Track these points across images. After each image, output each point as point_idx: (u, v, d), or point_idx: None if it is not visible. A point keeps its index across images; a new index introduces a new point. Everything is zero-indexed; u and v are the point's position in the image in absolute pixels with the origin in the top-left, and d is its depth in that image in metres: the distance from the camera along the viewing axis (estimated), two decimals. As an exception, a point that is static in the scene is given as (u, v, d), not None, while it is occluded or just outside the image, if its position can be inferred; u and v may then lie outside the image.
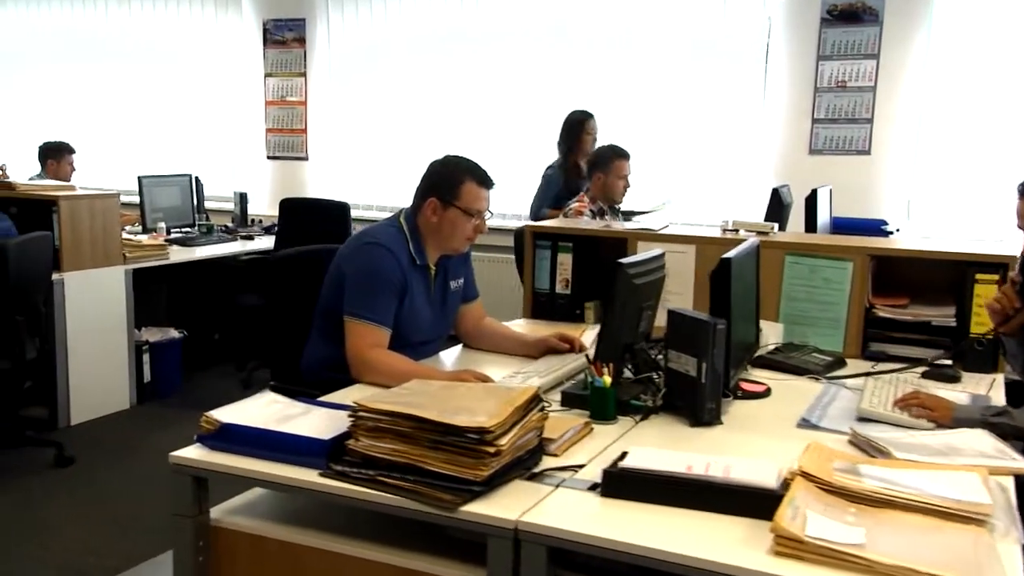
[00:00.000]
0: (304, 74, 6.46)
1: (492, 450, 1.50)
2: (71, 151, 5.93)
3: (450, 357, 2.61)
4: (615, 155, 4.07)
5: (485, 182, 2.43)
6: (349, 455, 1.62)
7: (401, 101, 6.12)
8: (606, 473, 1.54)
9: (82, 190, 4.31)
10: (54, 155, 5.86)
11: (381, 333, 2.31)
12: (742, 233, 2.87)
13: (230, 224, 5.96)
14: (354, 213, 5.35)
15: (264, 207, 6.38)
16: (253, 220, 6.03)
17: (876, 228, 4.12)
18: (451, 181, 2.40)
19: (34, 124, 7.15)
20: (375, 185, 6.26)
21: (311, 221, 5.31)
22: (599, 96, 5.43)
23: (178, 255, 4.81)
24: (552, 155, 5.55)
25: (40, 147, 5.90)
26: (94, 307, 4.13)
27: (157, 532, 3.09)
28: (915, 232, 4.54)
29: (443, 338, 2.61)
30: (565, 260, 3.07)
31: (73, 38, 7.20)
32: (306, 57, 6.43)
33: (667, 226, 3.09)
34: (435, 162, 2.47)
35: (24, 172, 5.60)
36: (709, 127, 5.18)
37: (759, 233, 2.85)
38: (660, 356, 2.25)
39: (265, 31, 6.51)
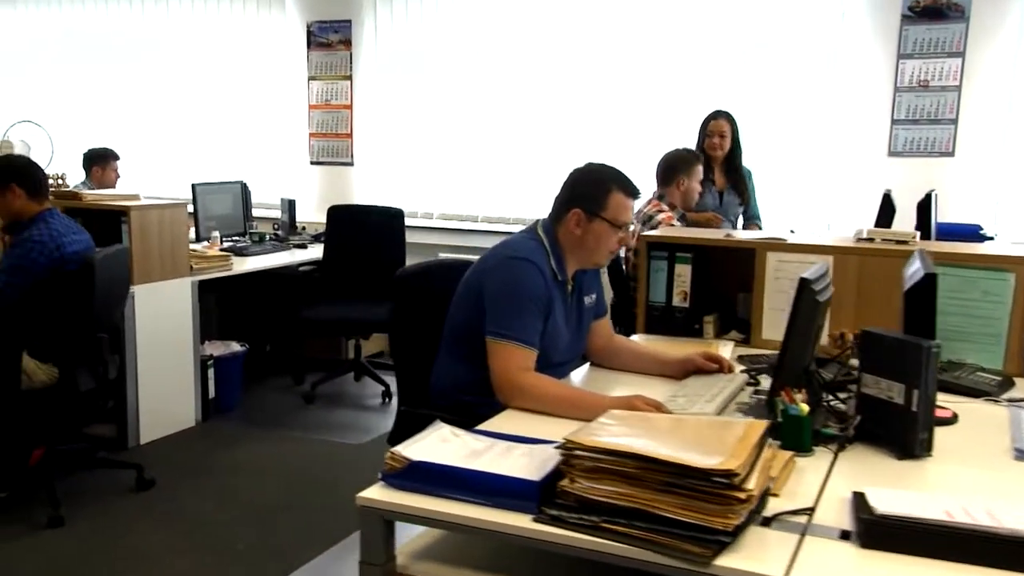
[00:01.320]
0: (350, 77, 6.30)
1: (743, 496, 1.35)
2: (116, 157, 5.79)
3: (577, 377, 2.46)
4: (696, 159, 3.92)
5: (632, 192, 2.28)
6: (561, 498, 1.47)
7: (452, 104, 5.96)
8: (864, 522, 1.39)
9: (146, 199, 4.15)
10: (99, 162, 5.72)
11: (530, 354, 2.15)
12: (879, 242, 2.73)
13: (277, 232, 5.81)
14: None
15: (308, 214, 6.21)
16: (298, 227, 5.89)
17: (974, 233, 3.96)
18: (597, 191, 2.25)
19: (74, 129, 6.99)
20: (424, 191, 6.10)
21: (362, 228, 5.17)
22: (655, 98, 5.29)
23: (238, 266, 4.65)
24: (616, 160, 5.40)
25: (85, 154, 5.75)
26: (162, 321, 3.98)
27: (259, 562, 2.95)
28: (1008, 237, 4.38)
29: (579, 358, 2.46)
30: (683, 272, 2.92)
31: (111, 39, 7.03)
32: (352, 59, 6.27)
33: (793, 233, 2.94)
34: (578, 170, 2.32)
35: (68, 180, 5.46)
36: (780, 129, 5.03)
37: (898, 242, 2.70)
38: (834, 378, 2.11)
39: (309, 33, 6.36)
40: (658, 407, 1.94)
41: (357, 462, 3.88)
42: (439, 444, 1.68)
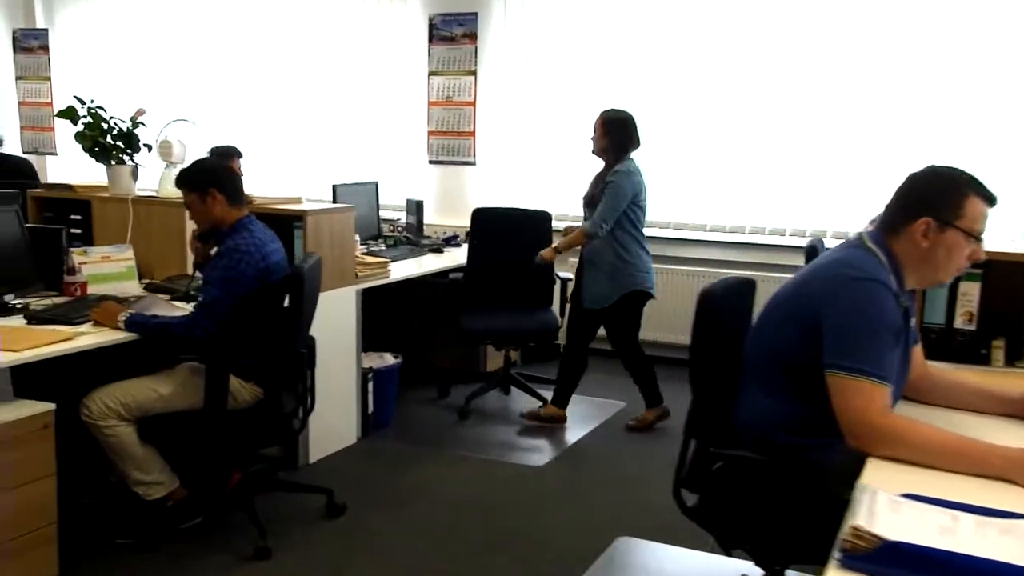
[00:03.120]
0: (474, 72, 6.03)
1: None
2: (239, 155, 5.55)
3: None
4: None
5: (991, 198, 1.95)
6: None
7: (583, 102, 5.64)
8: None
9: (308, 203, 3.90)
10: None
11: (888, 392, 1.83)
12: None
13: (407, 235, 5.55)
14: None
15: (427, 215, 5.93)
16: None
17: None
18: (951, 196, 1.92)
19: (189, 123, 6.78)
20: (552, 193, 5.79)
21: (506, 232, 4.88)
22: (790, 97, 4.98)
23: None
24: (746, 162, 5.08)
25: (210, 151, 5.53)
26: (329, 333, 3.71)
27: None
28: None
29: (901, 392, 2.13)
30: (970, 290, 2.59)
31: (228, 35, 6.79)
32: (477, 54, 5.99)
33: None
34: (920, 175, 1.99)
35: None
36: (937, 131, 4.70)
37: None
38: None
39: (431, 26, 6.09)
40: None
41: (545, 486, 3.61)
42: (893, 516, 1.37)
